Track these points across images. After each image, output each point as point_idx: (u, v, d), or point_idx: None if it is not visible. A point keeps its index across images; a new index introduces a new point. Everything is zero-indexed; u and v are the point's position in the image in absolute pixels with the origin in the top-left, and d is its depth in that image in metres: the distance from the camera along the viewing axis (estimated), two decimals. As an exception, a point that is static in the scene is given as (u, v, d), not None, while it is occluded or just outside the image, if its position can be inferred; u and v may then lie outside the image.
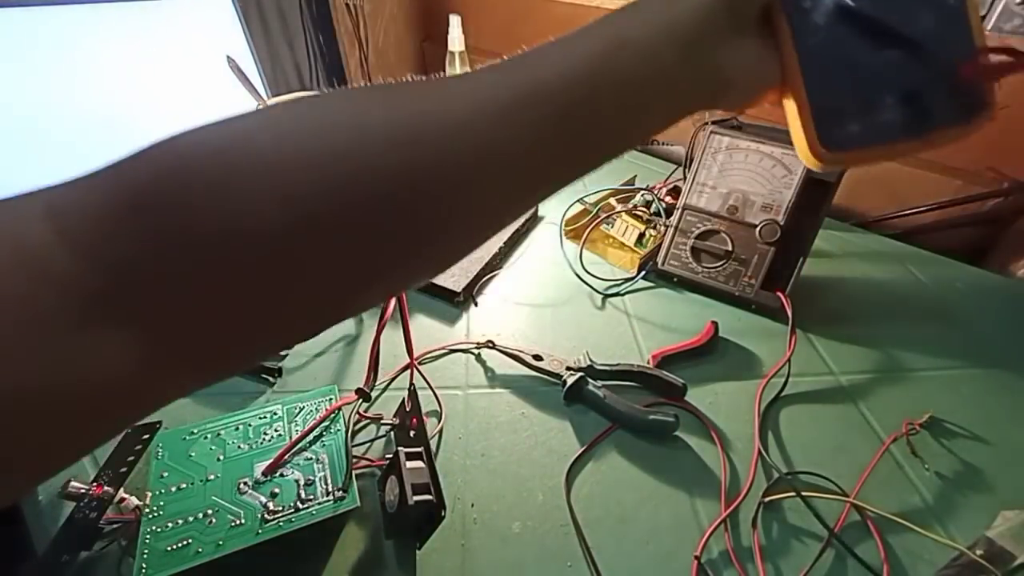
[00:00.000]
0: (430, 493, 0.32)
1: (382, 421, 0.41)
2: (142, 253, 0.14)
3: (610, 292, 0.54)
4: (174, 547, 0.31)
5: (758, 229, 0.51)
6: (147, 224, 0.14)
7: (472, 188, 0.18)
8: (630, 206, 0.61)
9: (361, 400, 0.40)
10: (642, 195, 0.62)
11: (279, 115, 0.17)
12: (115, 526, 0.33)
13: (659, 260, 0.56)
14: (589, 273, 0.56)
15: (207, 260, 0.15)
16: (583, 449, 0.40)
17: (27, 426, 0.14)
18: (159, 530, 0.32)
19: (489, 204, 0.19)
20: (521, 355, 0.45)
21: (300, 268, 0.16)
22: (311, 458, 0.36)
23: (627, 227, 0.59)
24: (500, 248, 0.58)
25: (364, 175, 0.16)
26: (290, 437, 0.37)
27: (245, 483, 0.34)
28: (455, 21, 0.77)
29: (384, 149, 0.16)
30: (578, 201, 0.63)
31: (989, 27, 0.53)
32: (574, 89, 0.18)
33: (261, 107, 0.18)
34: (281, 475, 0.35)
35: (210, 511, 0.33)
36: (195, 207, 0.14)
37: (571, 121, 0.19)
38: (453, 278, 0.53)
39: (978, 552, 0.32)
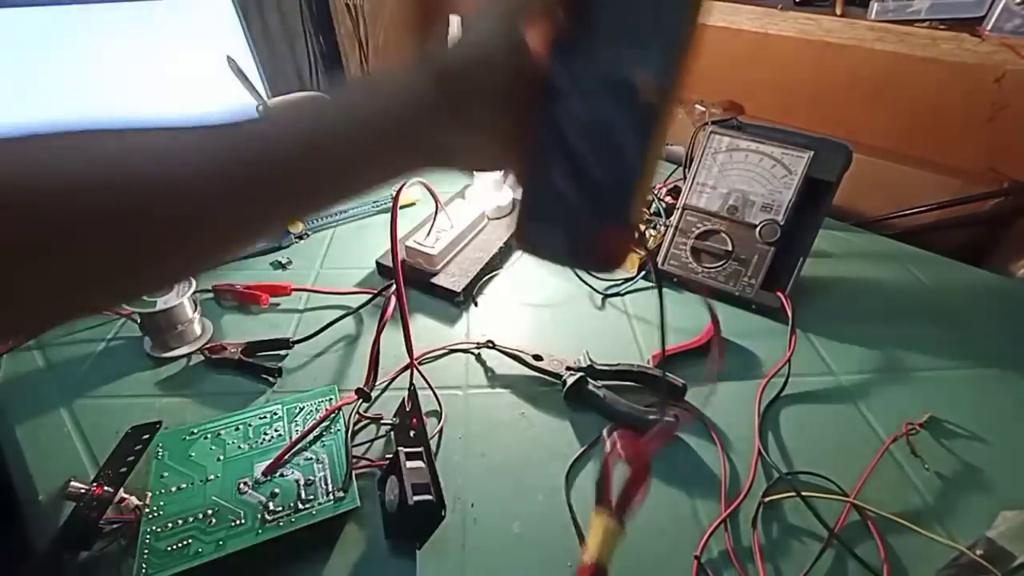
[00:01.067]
0: (430, 493, 0.32)
1: (382, 421, 0.41)
2: None
3: (610, 292, 0.54)
4: (174, 547, 0.31)
5: (758, 229, 0.51)
6: None
7: (186, 229, 0.21)
8: (630, 206, 0.61)
9: (361, 400, 0.40)
10: (642, 195, 0.62)
11: (21, 146, 0.19)
12: (115, 526, 0.33)
13: (659, 260, 0.56)
14: (589, 273, 0.56)
15: None
16: (583, 449, 0.40)
17: None
18: (159, 530, 0.32)
19: (201, 243, 0.22)
20: (521, 355, 0.45)
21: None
22: (311, 458, 0.36)
23: (627, 227, 0.59)
24: (500, 248, 0.58)
25: (89, 209, 0.19)
26: (290, 437, 0.37)
27: (245, 483, 0.35)
28: (455, 21, 0.77)
29: (104, 189, 0.19)
30: (578, 201, 0.63)
31: (989, 27, 0.53)
32: (278, 163, 0.22)
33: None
34: (281, 475, 0.35)
35: (210, 511, 0.33)
36: None
37: (273, 185, 0.22)
38: (453, 278, 0.53)
39: (978, 552, 0.32)
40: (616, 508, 0.26)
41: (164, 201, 0.20)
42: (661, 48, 0.25)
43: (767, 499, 0.36)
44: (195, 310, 0.48)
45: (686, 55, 0.25)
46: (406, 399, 0.40)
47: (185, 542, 0.31)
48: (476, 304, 0.53)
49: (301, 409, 0.40)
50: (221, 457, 0.36)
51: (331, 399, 0.41)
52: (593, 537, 0.25)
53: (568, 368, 0.44)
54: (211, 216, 0.21)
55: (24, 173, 0.18)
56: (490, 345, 0.47)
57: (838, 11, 0.61)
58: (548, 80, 0.27)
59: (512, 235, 0.30)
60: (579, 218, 0.28)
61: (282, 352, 0.47)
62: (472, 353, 0.48)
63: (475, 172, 0.27)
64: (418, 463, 0.34)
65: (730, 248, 0.52)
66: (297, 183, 0.23)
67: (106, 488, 0.33)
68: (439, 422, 0.41)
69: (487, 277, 0.55)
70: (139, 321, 0.46)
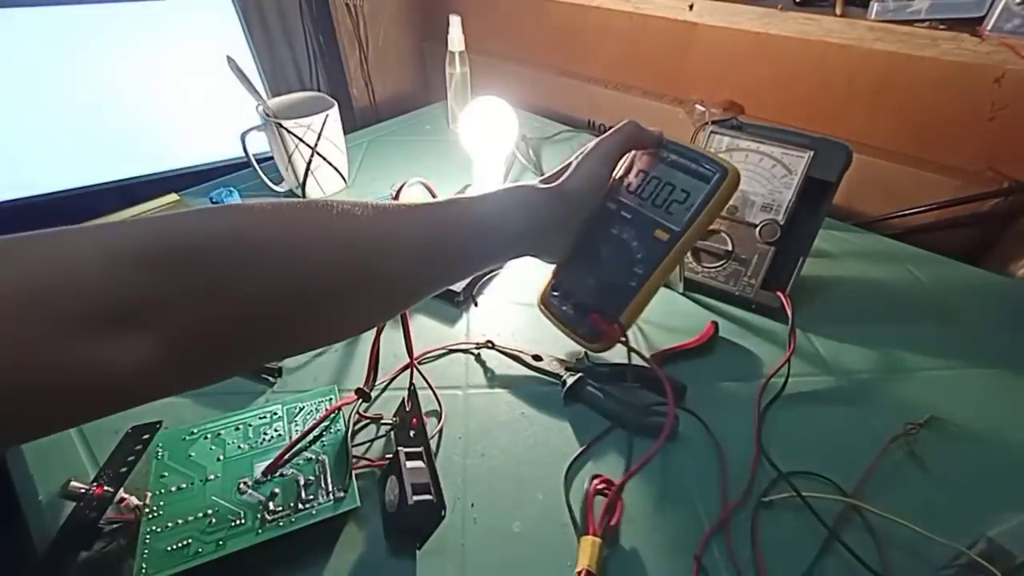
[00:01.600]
0: (430, 493, 0.32)
1: (382, 421, 0.41)
2: (166, 290, 0.22)
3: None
4: (174, 547, 0.31)
5: (758, 229, 0.51)
6: (176, 275, 0.22)
7: (399, 281, 0.30)
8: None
9: (361, 400, 0.40)
10: (642, 195, 0.62)
11: (286, 219, 0.26)
12: (115, 526, 0.33)
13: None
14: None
15: (213, 303, 0.23)
16: (583, 449, 0.40)
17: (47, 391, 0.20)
18: (159, 530, 0.32)
19: (398, 296, 0.31)
20: (521, 355, 0.45)
21: (274, 318, 0.25)
22: (311, 458, 0.36)
23: (627, 227, 0.59)
24: (500, 248, 0.58)
25: (328, 270, 0.26)
26: (290, 437, 0.37)
27: (245, 483, 0.35)
28: (455, 21, 0.77)
29: (346, 255, 0.27)
30: (578, 201, 0.63)
31: (989, 27, 0.53)
32: (462, 242, 0.33)
33: (279, 207, 0.27)
34: (281, 475, 0.35)
35: (210, 511, 0.33)
36: (217, 273, 0.23)
37: (457, 255, 0.33)
38: (453, 278, 0.53)
39: (978, 552, 0.32)
40: (599, 530, 0.33)
41: (401, 261, 0.29)
42: (680, 216, 0.37)
43: (767, 499, 0.36)
44: (195, 310, 0.48)
45: (702, 223, 0.37)
46: (406, 399, 0.40)
47: (185, 542, 0.31)
48: (476, 304, 0.53)
49: (301, 409, 0.40)
50: (221, 457, 0.36)
51: (331, 399, 0.41)
52: (583, 553, 0.32)
53: (568, 369, 0.44)
54: (422, 271, 0.31)
55: (322, 235, 0.27)
56: (490, 345, 0.47)
57: (838, 11, 0.61)
58: (605, 204, 0.40)
59: (539, 296, 0.43)
60: (586, 301, 0.39)
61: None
62: (472, 353, 0.48)
63: (553, 262, 0.42)
64: (418, 463, 0.34)
65: (730, 248, 0.52)
66: (476, 258, 0.34)
67: (106, 488, 0.33)
68: (439, 422, 0.41)
69: (487, 277, 0.55)
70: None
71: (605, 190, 0.40)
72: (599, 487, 0.36)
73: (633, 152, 0.41)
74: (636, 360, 0.47)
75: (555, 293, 0.42)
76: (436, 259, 0.32)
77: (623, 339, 0.38)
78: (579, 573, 0.31)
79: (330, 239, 0.27)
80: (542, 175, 0.74)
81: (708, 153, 0.39)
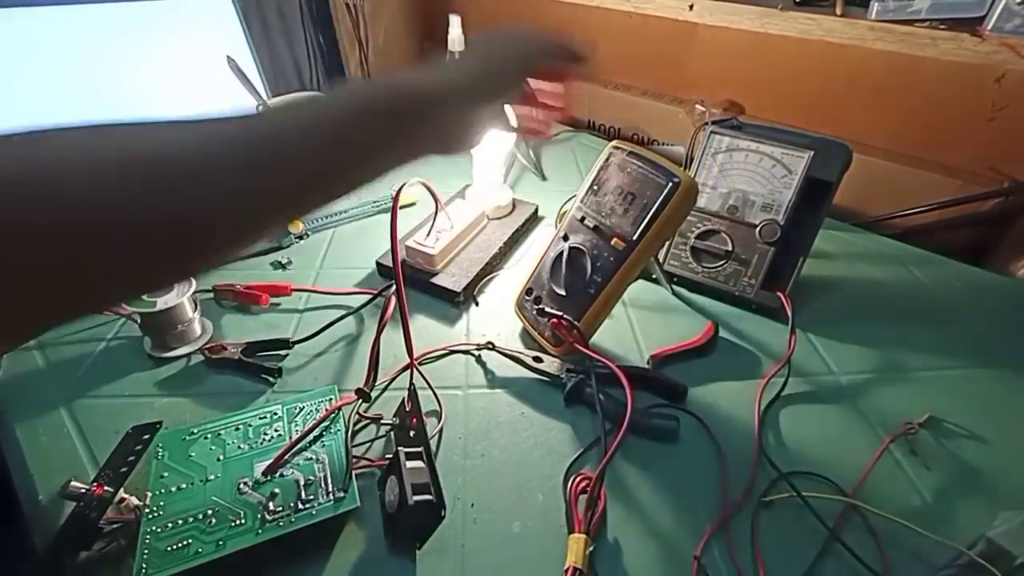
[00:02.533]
0: (430, 493, 0.32)
1: (382, 421, 0.41)
2: None
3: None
4: (174, 547, 0.31)
5: (758, 229, 0.51)
6: None
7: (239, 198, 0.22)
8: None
9: (361, 400, 0.40)
10: (642, 195, 0.62)
11: (67, 149, 0.21)
12: (115, 526, 0.33)
13: (659, 260, 0.55)
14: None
15: None
16: (583, 450, 0.40)
17: None
18: (159, 530, 0.32)
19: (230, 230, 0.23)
20: (522, 357, 0.45)
21: (63, 264, 0.19)
22: (311, 458, 0.36)
23: (627, 227, 0.59)
24: (500, 248, 0.58)
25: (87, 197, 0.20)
26: (290, 437, 0.37)
27: (245, 483, 0.35)
28: (455, 21, 0.77)
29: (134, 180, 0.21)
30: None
31: (989, 27, 0.53)
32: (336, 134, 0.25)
33: (56, 134, 0.21)
34: (281, 475, 0.35)
35: (210, 511, 0.33)
36: None
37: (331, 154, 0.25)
38: (453, 278, 0.53)
39: (978, 552, 0.32)
40: (585, 527, 0.33)
41: (205, 182, 0.22)
42: (637, 226, 0.40)
43: (767, 499, 0.36)
44: (195, 310, 0.48)
45: (657, 232, 0.40)
46: (406, 399, 0.40)
47: (185, 542, 0.31)
48: (477, 304, 0.53)
49: (301, 409, 0.40)
50: (221, 457, 0.36)
51: (331, 399, 0.41)
52: (569, 551, 0.32)
53: (568, 370, 0.44)
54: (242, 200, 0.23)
55: (96, 159, 0.21)
56: (490, 347, 0.47)
57: (838, 11, 0.61)
58: (573, 213, 0.45)
59: (515, 299, 0.47)
60: (551, 307, 0.43)
61: (282, 352, 0.47)
62: (472, 354, 0.48)
63: (459, 148, 0.36)
64: (418, 463, 0.34)
65: (730, 248, 0.52)
66: (324, 163, 0.25)
67: (106, 488, 0.33)
68: (439, 422, 0.41)
69: (487, 277, 0.55)
70: (139, 321, 0.46)
71: (504, 96, 0.36)
72: (581, 485, 0.36)
73: (602, 161, 0.43)
74: (636, 363, 0.47)
75: (527, 297, 0.46)
76: (266, 177, 0.23)
77: (584, 345, 0.41)
78: (567, 571, 0.31)
79: (91, 159, 0.21)
80: (542, 176, 0.75)
81: (664, 163, 0.40)
